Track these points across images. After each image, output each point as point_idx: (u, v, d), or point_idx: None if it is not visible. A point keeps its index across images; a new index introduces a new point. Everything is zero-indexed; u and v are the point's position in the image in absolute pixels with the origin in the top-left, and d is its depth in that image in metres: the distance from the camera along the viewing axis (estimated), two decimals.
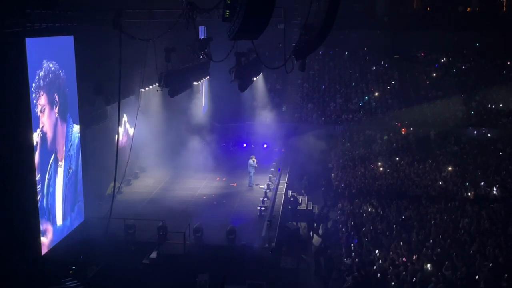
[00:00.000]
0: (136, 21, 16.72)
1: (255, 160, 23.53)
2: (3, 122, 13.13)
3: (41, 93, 14.61)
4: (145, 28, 17.04)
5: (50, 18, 14.65)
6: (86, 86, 17.10)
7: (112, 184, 16.11)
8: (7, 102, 13.10)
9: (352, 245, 17.08)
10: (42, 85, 14.62)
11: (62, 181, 16.27)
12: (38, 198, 14.66)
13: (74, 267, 15.21)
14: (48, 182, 15.35)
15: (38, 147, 14.50)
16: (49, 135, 15.26)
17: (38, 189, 14.67)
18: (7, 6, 12.70)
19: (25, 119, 13.71)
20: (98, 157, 18.82)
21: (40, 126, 14.73)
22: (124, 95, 18.03)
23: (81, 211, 17.94)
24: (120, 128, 17.68)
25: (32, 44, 13.80)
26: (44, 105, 14.85)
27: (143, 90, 19.74)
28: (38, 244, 14.69)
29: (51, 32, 14.79)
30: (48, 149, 15.28)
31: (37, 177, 14.58)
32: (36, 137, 14.34)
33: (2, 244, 13.24)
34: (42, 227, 14.96)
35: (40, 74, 14.52)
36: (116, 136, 16.50)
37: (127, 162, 16.35)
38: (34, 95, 14.04)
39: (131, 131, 20.85)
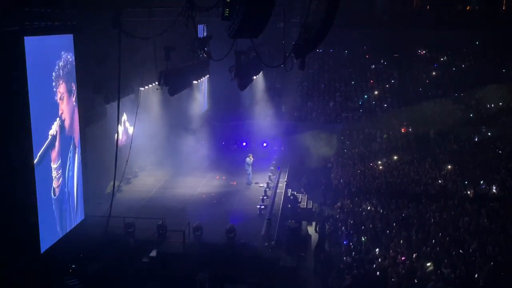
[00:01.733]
0: (136, 20, 16.68)
1: (252, 158, 23.52)
2: (2, 122, 13.11)
3: (60, 81, 15.58)
4: (144, 27, 16.99)
5: (49, 16, 14.61)
6: (85, 84, 17.08)
7: (111, 183, 16.09)
8: (6, 101, 13.07)
9: (351, 243, 17.10)
10: (61, 74, 15.59)
11: (77, 165, 17.25)
12: (59, 183, 15.64)
13: (73, 266, 15.21)
14: (68, 166, 16.30)
15: (57, 134, 15.41)
16: (67, 122, 16.22)
17: (59, 174, 15.63)
18: (5, 5, 12.65)
19: (23, 117, 13.68)
20: (97, 156, 18.81)
21: (59, 113, 15.62)
22: (123, 93, 17.96)
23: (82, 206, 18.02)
24: (119, 126, 17.65)
25: (51, 38, 14.82)
26: (63, 93, 15.78)
27: (142, 88, 19.72)
28: (38, 243, 14.70)
29: (50, 30, 14.76)
30: (67, 136, 16.23)
31: (58, 163, 15.53)
32: (55, 125, 15.27)
33: (2, 243, 13.23)
34: (62, 209, 16.04)
35: (60, 64, 15.43)
36: (116, 134, 16.48)
37: (127, 161, 16.34)
38: (54, 83, 15.13)
39: (130, 129, 20.84)
